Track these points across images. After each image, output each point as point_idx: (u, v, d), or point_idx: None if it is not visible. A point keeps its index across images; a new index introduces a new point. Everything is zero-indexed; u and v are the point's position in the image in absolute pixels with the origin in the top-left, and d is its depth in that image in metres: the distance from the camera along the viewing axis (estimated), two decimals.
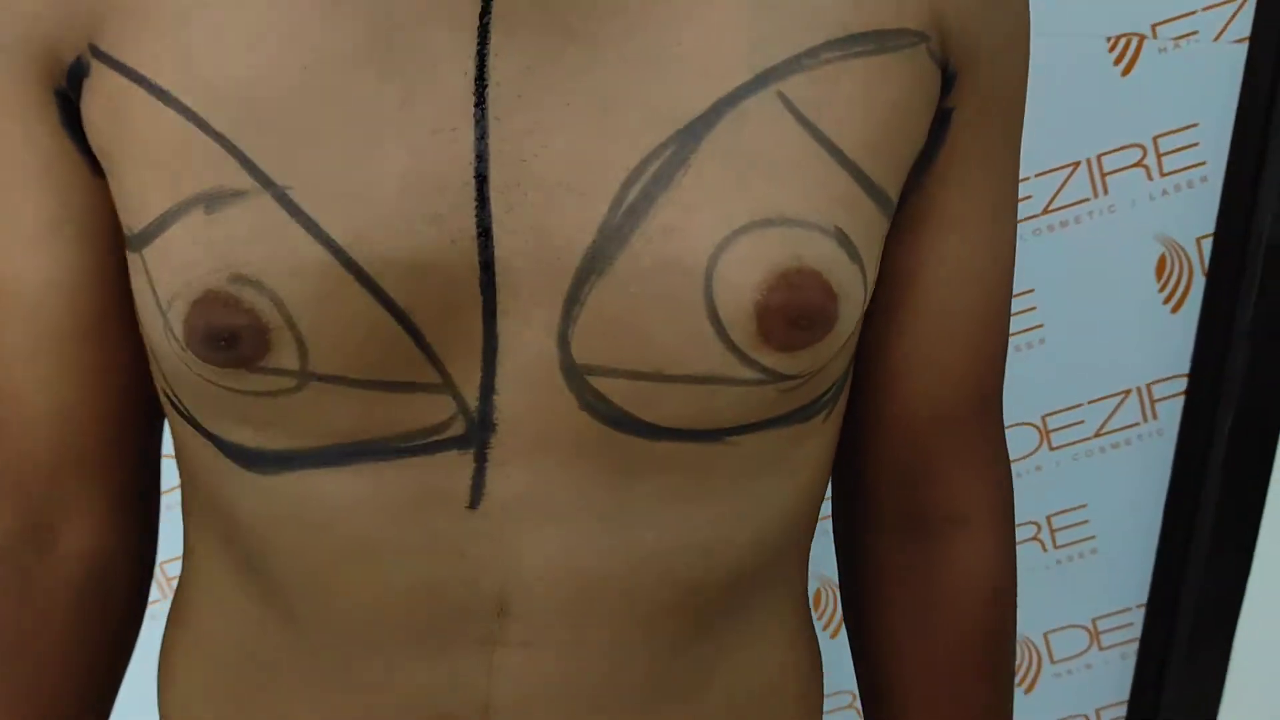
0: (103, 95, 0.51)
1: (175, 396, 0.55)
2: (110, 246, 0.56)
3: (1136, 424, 1.22)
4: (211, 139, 0.49)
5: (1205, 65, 1.10)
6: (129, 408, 0.60)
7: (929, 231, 0.59)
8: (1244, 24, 1.09)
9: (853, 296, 0.52)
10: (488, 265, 0.50)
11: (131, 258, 0.53)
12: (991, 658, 0.67)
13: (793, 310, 0.49)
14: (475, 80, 0.49)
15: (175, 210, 0.49)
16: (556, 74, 0.49)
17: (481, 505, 0.53)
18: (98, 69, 0.51)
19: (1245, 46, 1.10)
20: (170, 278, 0.50)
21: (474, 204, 0.49)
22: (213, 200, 0.49)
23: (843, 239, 0.51)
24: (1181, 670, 1.27)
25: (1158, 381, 1.21)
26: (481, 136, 0.49)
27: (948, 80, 0.55)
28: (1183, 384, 1.21)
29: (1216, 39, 1.09)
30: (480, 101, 0.49)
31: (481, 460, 0.52)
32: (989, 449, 0.66)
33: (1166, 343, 1.20)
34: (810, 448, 0.59)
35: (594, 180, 0.49)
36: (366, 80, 0.48)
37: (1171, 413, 1.22)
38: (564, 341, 0.50)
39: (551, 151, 0.49)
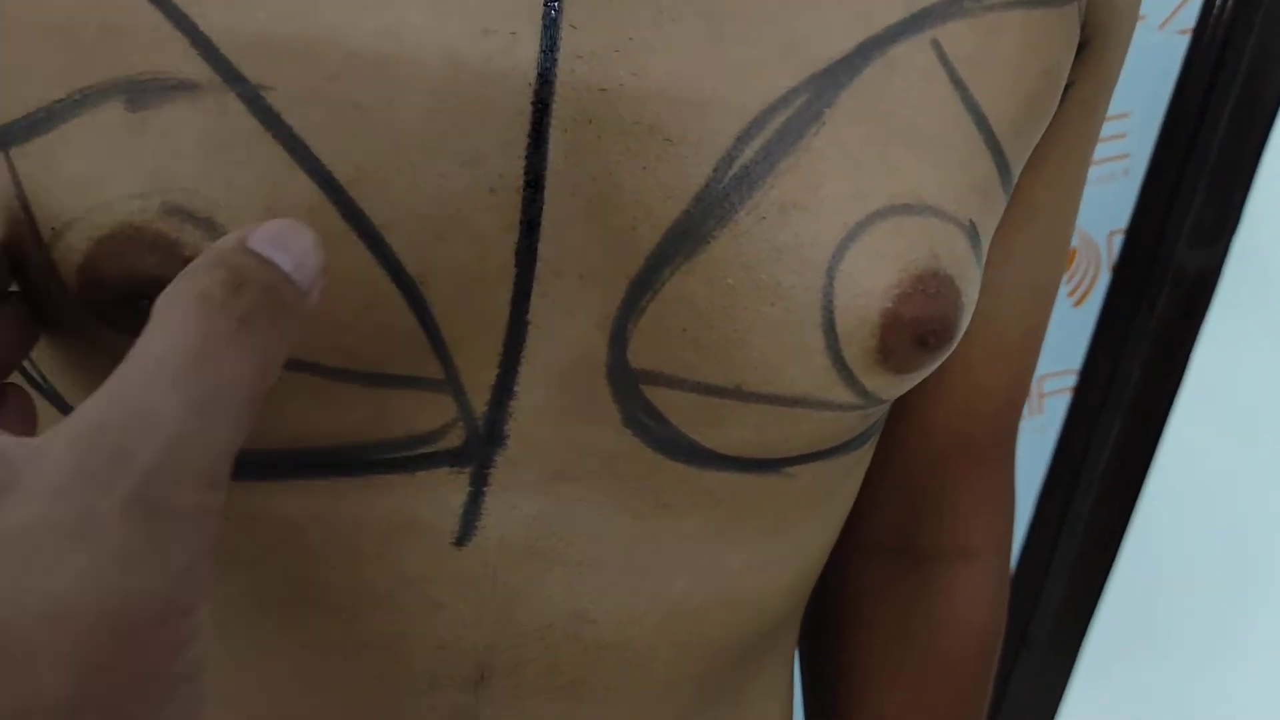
0: None
1: (35, 369, 0.39)
2: None
3: (1021, 417, 1.17)
4: (153, 5, 0.33)
5: (1146, 52, 1.04)
6: None
7: (1004, 225, 0.48)
8: (1190, 14, 1.03)
9: (971, 308, 0.41)
10: (531, 226, 0.36)
11: None
12: (979, 693, 0.60)
13: (925, 325, 0.38)
14: None
15: (77, 99, 0.33)
16: None
17: (471, 542, 0.39)
18: None
19: (1187, 39, 1.04)
20: (60, 196, 0.34)
21: (526, 141, 0.35)
22: (141, 91, 0.33)
23: (973, 236, 0.40)
24: (1028, 673, 1.24)
25: (1049, 375, 1.16)
26: (550, 48, 0.35)
27: (1078, 49, 0.45)
28: (1072, 380, 1.16)
29: (1162, 26, 1.03)
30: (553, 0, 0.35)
31: (479, 483, 0.39)
32: (1004, 479, 0.58)
33: (1064, 337, 1.15)
34: (854, 478, 0.48)
35: (699, 128, 0.36)
36: None
37: (1057, 409, 1.17)
38: (619, 338, 0.37)
39: (643, 82, 0.35)
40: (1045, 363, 1.14)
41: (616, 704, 0.43)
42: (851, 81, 0.37)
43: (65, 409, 0.39)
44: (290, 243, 0.28)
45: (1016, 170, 0.42)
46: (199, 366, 0.26)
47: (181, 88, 0.33)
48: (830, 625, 0.60)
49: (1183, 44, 1.04)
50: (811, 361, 0.38)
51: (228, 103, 0.33)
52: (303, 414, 0.37)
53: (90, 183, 0.33)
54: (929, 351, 0.39)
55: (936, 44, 0.38)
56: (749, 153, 0.36)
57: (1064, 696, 1.24)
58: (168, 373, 0.25)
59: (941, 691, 0.59)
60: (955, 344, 0.40)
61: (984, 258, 0.41)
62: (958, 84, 0.38)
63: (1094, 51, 0.45)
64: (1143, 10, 1.02)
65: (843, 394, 0.39)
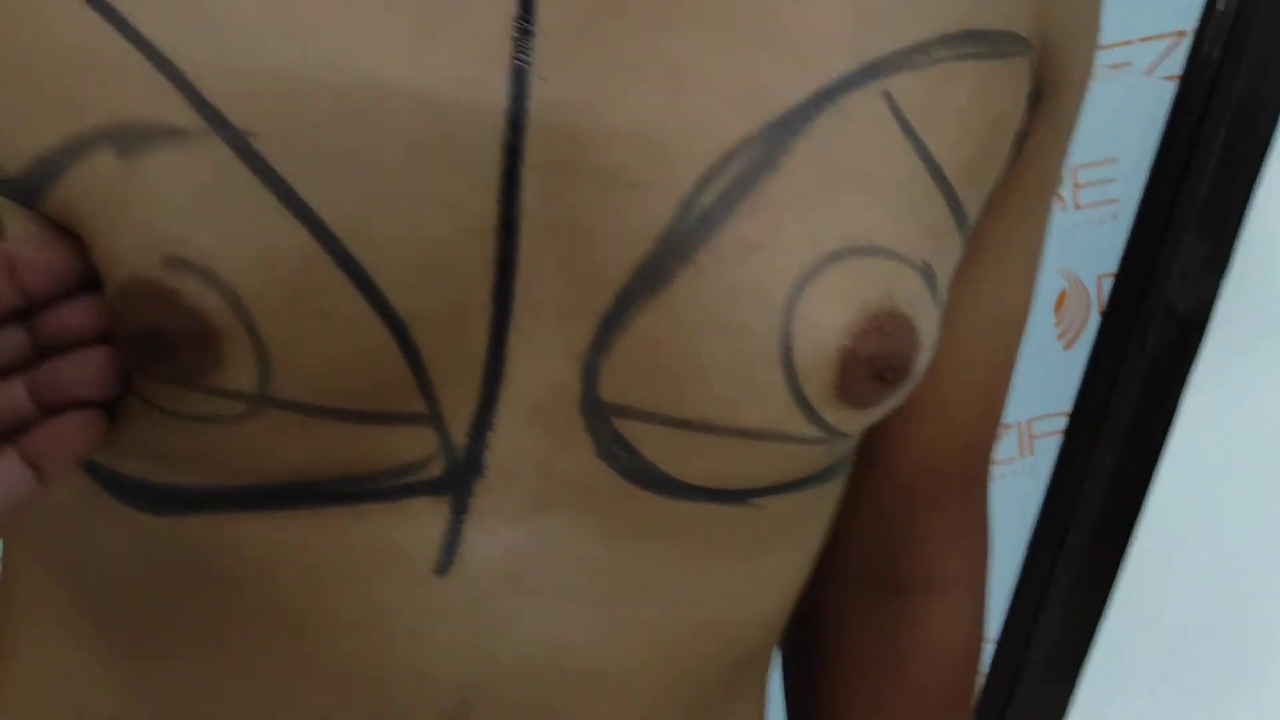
0: None
1: None
2: None
3: (1012, 459, 1.18)
4: (134, 46, 0.35)
5: (1133, 99, 1.06)
6: None
7: (969, 267, 0.50)
8: (1177, 62, 1.05)
9: (931, 346, 0.42)
10: (506, 266, 0.38)
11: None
12: None
13: (881, 362, 0.40)
14: (517, 21, 0.37)
15: (70, 147, 0.35)
16: (623, 31, 0.38)
17: (451, 570, 0.41)
18: None
19: (1174, 85, 1.06)
20: (94, 249, 0.36)
21: (499, 186, 0.37)
22: (131, 138, 0.35)
23: (929, 277, 0.42)
24: (1022, 711, 1.24)
25: (1039, 418, 1.18)
26: (519, 97, 0.37)
27: (1032, 100, 0.46)
28: (1063, 422, 1.18)
29: (1149, 72, 1.05)
30: (522, 50, 0.37)
31: (459, 511, 0.41)
32: (977, 510, 0.60)
33: (1054, 380, 1.16)
34: (825, 510, 0.50)
35: (662, 173, 0.38)
36: None
37: (1048, 450, 1.19)
38: (590, 372, 0.39)
39: (609, 130, 0.37)
40: (1035, 405, 1.16)
41: None
42: (805, 129, 0.39)
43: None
44: None
45: (973, 213, 0.44)
46: None
47: (170, 134, 0.35)
48: (809, 656, 0.61)
49: (1169, 90, 1.06)
50: (772, 396, 0.39)
51: (216, 150, 0.35)
52: (291, 451, 0.38)
53: (101, 235, 0.35)
54: (887, 386, 0.40)
55: (888, 95, 0.40)
56: (709, 196, 0.38)
57: None
58: None
59: (919, 717, 0.60)
60: (915, 379, 0.42)
61: (942, 297, 0.43)
62: (909, 132, 0.40)
63: (1047, 102, 0.47)
64: (1129, 57, 1.05)
65: (804, 428, 0.41)
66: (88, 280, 0.37)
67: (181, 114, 0.35)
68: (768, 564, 0.47)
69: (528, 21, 0.37)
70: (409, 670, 0.41)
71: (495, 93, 0.36)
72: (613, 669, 0.43)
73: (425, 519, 0.40)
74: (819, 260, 0.39)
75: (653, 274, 0.38)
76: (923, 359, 0.42)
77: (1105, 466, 1.13)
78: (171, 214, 0.35)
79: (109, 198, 0.35)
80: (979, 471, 0.58)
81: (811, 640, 0.61)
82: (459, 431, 0.39)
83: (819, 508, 0.48)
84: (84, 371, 0.37)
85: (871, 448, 0.55)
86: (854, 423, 0.42)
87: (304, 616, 0.41)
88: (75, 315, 0.36)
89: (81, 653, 0.45)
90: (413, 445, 0.39)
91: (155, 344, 0.35)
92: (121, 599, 0.43)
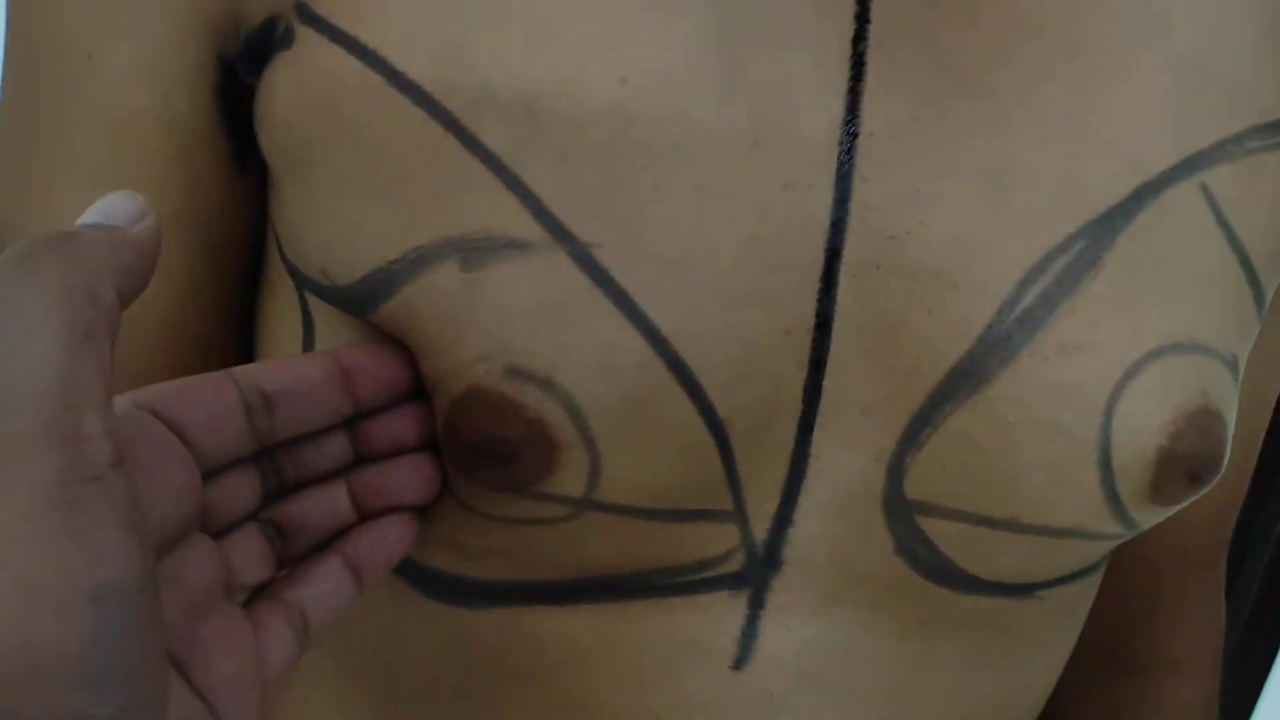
0: (303, 74, 0.37)
1: None
2: (232, 276, 0.43)
3: None
4: (478, 159, 0.36)
5: None
6: None
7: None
8: None
9: (1229, 444, 0.42)
10: (818, 365, 0.38)
11: (325, 315, 0.39)
12: None
13: (1197, 461, 0.39)
14: (843, 125, 0.37)
15: (413, 259, 0.36)
16: (943, 130, 0.37)
17: (748, 666, 0.41)
18: (304, 37, 0.37)
19: None
20: (425, 363, 0.36)
21: (818, 286, 0.37)
22: (475, 250, 0.35)
23: (1234, 369, 0.41)
24: None
25: None
26: (843, 199, 0.37)
27: None
28: None
29: None
30: (848, 153, 0.37)
31: (756, 606, 0.40)
32: (1216, 587, 0.59)
33: None
34: (1091, 597, 0.49)
35: (982, 273, 0.37)
36: (708, 105, 0.36)
37: None
38: (896, 470, 0.39)
39: (929, 230, 0.37)
40: None
41: None
42: (1127, 226, 0.38)
43: None
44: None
45: (1269, 300, 0.43)
46: None
47: (513, 246, 0.35)
48: None
49: None
50: (1086, 496, 0.39)
51: (559, 261, 0.35)
52: (602, 548, 0.39)
53: (441, 345, 0.35)
54: (1199, 486, 0.40)
55: (1204, 187, 0.39)
56: (1030, 296, 0.37)
57: None
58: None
59: None
60: (1219, 477, 0.41)
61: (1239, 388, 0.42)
62: (1223, 224, 0.40)
63: None
64: None
65: (1111, 525, 0.40)
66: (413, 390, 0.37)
67: (526, 226, 0.35)
68: (1042, 655, 0.46)
69: (853, 124, 0.37)
70: None
71: (822, 196, 0.36)
72: None
73: (723, 613, 0.40)
74: (1140, 359, 0.38)
75: (970, 375, 0.37)
76: (1228, 454, 0.41)
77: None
78: (514, 325, 0.35)
79: (451, 310, 0.35)
80: (1219, 551, 0.58)
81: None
82: (760, 527, 0.39)
83: (1088, 595, 0.48)
84: (412, 478, 0.37)
85: None
86: (1157, 518, 0.41)
87: (602, 711, 0.41)
88: (403, 425, 0.37)
89: None
90: (715, 540, 0.39)
91: (491, 454, 0.35)
92: (414, 692, 0.43)
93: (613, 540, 0.38)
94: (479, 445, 0.35)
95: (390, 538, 0.37)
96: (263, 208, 0.43)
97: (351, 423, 0.37)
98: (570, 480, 0.36)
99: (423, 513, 0.39)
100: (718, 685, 0.41)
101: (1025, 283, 0.37)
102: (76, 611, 0.25)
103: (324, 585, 0.36)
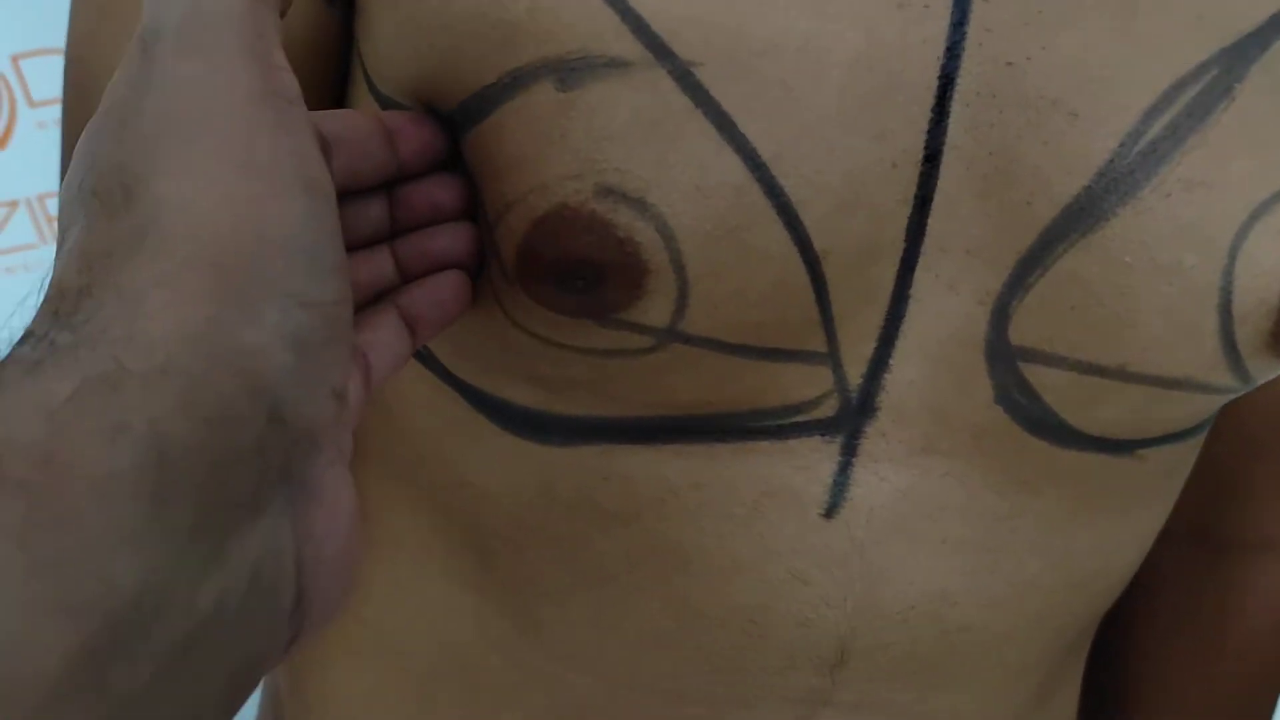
0: None
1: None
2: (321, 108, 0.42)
3: None
4: None
5: None
6: None
7: None
8: None
9: None
10: (924, 201, 0.36)
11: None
12: (1269, 696, 0.59)
13: None
14: None
15: (508, 82, 0.34)
16: None
17: (839, 514, 0.40)
18: None
19: None
20: (501, 179, 0.35)
21: (929, 116, 0.35)
22: (573, 70, 0.34)
23: None
24: None
25: None
26: (960, 21, 0.35)
27: None
28: None
29: None
30: None
31: (849, 453, 0.39)
32: None
33: None
34: (1190, 462, 0.47)
35: (1106, 103, 0.35)
36: None
37: None
38: (1001, 314, 0.37)
39: (1051, 56, 0.35)
40: None
41: (967, 691, 0.43)
42: (1261, 55, 0.36)
43: (442, 367, 0.41)
44: None
45: None
46: None
47: (612, 65, 0.33)
48: (1123, 609, 0.59)
49: None
50: (1202, 343, 0.37)
51: (658, 80, 0.33)
52: (691, 385, 0.37)
53: (527, 164, 0.34)
54: None
55: None
56: (1156, 128, 0.35)
57: None
58: None
59: (1239, 684, 0.57)
60: None
61: None
62: None
63: None
64: None
65: (1225, 377, 0.38)
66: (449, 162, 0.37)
67: (626, 45, 0.33)
68: (1139, 518, 0.45)
69: None
70: (791, 615, 0.40)
71: (938, 16, 0.34)
72: (993, 623, 0.42)
73: (815, 459, 0.39)
74: (1269, 198, 0.36)
75: (1087, 212, 0.36)
76: None
77: None
78: (609, 144, 0.33)
79: (543, 127, 0.34)
80: None
81: (1124, 593, 0.59)
82: (855, 372, 0.38)
83: (1188, 459, 0.46)
84: (455, 241, 0.37)
85: None
86: (1271, 372, 0.39)
87: (691, 555, 0.40)
88: (443, 190, 0.37)
89: (449, 587, 0.45)
90: (807, 383, 0.38)
91: (577, 276, 0.34)
92: (499, 533, 0.42)
93: (699, 377, 0.37)
94: (564, 266, 0.34)
95: (444, 293, 0.36)
96: (349, 42, 0.41)
97: (390, 190, 0.37)
98: (656, 308, 0.35)
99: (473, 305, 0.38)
100: (806, 532, 0.40)
101: (1151, 113, 0.35)
102: (292, 194, 0.27)
103: (383, 334, 0.35)
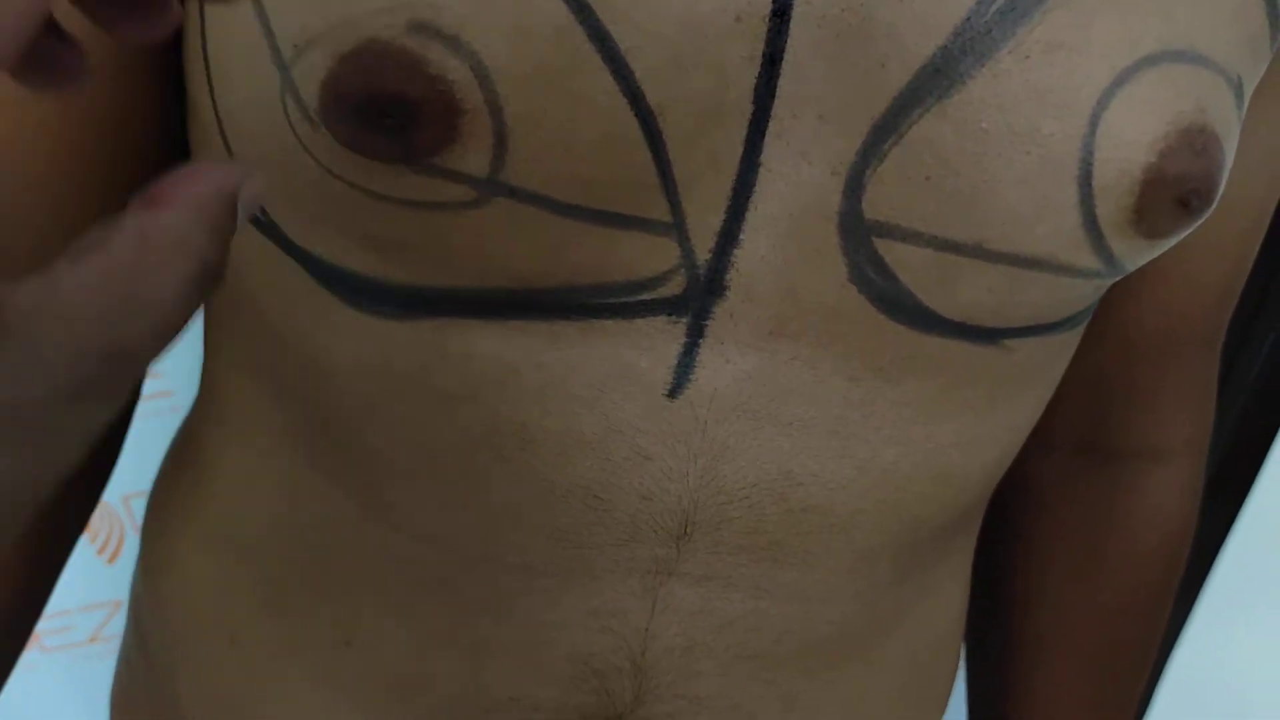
0: None
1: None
2: None
3: None
4: None
5: None
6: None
7: (1256, 94, 0.44)
8: None
9: (1228, 172, 0.38)
10: (773, 60, 0.34)
11: None
12: (1160, 606, 0.59)
13: (1188, 184, 0.35)
14: None
15: None
16: None
17: (684, 394, 0.38)
18: None
19: None
20: (303, 12, 0.32)
21: None
22: None
23: (1239, 92, 0.37)
24: None
25: None
26: None
27: None
28: None
29: None
30: None
31: (696, 334, 0.37)
32: (1207, 376, 0.56)
33: None
34: (1063, 362, 0.46)
35: None
36: None
37: None
38: (854, 185, 0.35)
39: None
40: None
41: (814, 570, 0.42)
42: None
43: (275, 231, 0.39)
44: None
45: None
46: None
47: None
48: (1008, 520, 0.58)
49: None
50: (1062, 218, 0.35)
51: None
52: (526, 251, 0.35)
53: None
54: (1188, 214, 0.36)
55: None
56: None
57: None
58: None
59: (1122, 594, 0.57)
60: (1212, 209, 0.37)
61: (1242, 118, 0.38)
62: None
63: None
64: None
65: (1087, 258, 0.37)
66: None
67: None
68: (1005, 414, 0.43)
69: None
70: (634, 489, 0.39)
71: None
72: (838, 506, 0.40)
73: (660, 339, 0.37)
74: (1132, 64, 0.34)
75: (942, 74, 0.34)
76: (1223, 185, 0.37)
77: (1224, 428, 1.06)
78: None
79: None
80: (1213, 339, 0.54)
81: (1011, 503, 0.58)
82: (702, 246, 0.36)
83: (1060, 357, 0.45)
84: None
85: (1103, 301, 0.51)
86: (1139, 255, 0.38)
87: (534, 434, 0.38)
88: None
89: (299, 472, 0.43)
90: (653, 257, 0.36)
91: (387, 115, 0.32)
92: (345, 414, 0.40)
93: (533, 241, 0.35)
94: (372, 105, 0.32)
95: None
96: None
97: None
98: (473, 154, 0.33)
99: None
100: (649, 412, 0.38)
101: None
102: None
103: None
